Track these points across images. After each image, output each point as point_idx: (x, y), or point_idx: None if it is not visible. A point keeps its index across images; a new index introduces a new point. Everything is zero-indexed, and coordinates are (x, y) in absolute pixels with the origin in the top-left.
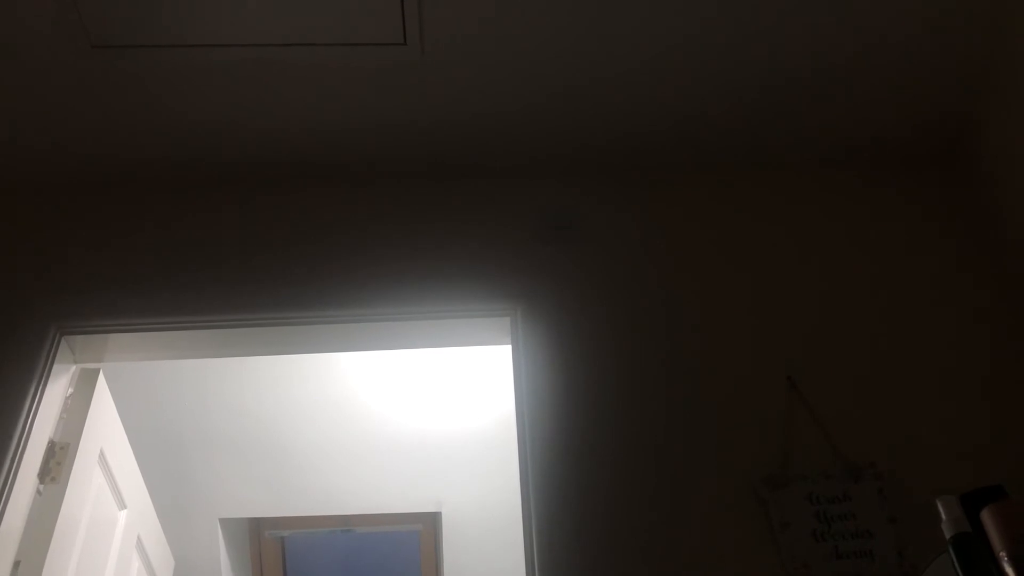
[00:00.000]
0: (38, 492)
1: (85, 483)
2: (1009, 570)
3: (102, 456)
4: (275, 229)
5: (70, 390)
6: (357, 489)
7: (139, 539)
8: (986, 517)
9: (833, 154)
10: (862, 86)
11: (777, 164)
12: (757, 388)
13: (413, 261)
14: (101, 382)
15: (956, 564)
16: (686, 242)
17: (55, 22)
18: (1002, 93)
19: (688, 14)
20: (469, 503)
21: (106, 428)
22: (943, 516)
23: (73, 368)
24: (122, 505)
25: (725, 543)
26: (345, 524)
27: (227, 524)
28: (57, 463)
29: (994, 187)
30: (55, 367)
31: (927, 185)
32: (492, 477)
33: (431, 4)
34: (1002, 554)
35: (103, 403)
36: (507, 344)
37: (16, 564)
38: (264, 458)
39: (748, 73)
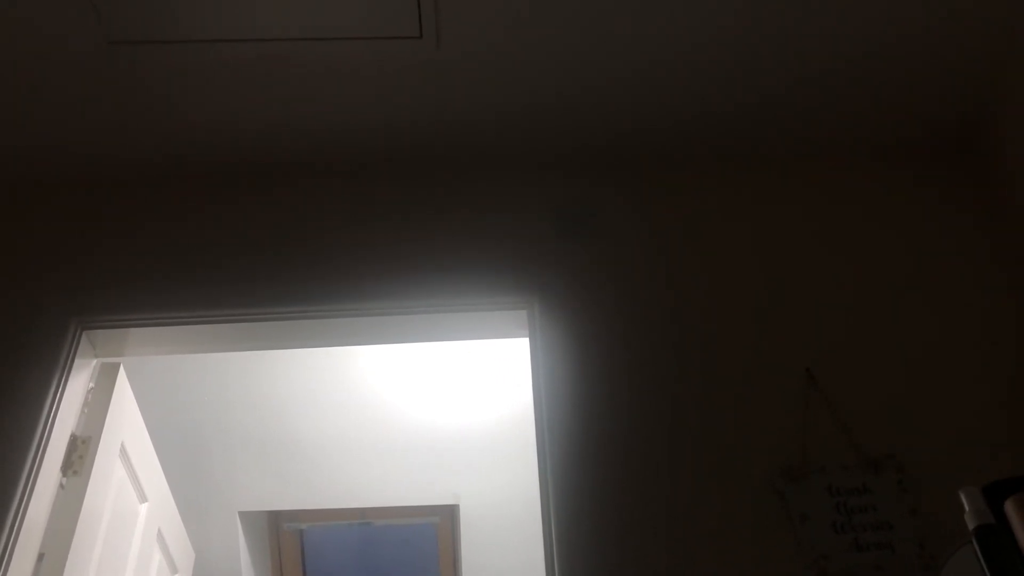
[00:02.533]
0: (61, 485)
1: (107, 476)
2: None
3: (123, 450)
4: (293, 223)
5: (91, 384)
6: (374, 482)
7: (160, 532)
8: (1010, 508)
9: (850, 149)
10: (878, 83)
11: (795, 158)
12: (775, 380)
13: (430, 255)
14: (122, 376)
15: (980, 555)
16: (702, 235)
17: (72, 18)
18: (1016, 85)
19: (710, 13)
20: (486, 495)
21: (127, 422)
22: (966, 507)
23: (94, 362)
24: (143, 498)
25: (743, 533)
26: (363, 517)
27: (246, 517)
28: (79, 457)
29: (1010, 181)
30: (76, 362)
31: (946, 179)
32: (509, 469)
33: None
34: None
35: (124, 397)
36: (524, 337)
37: (40, 556)
38: (282, 452)
39: (766, 70)
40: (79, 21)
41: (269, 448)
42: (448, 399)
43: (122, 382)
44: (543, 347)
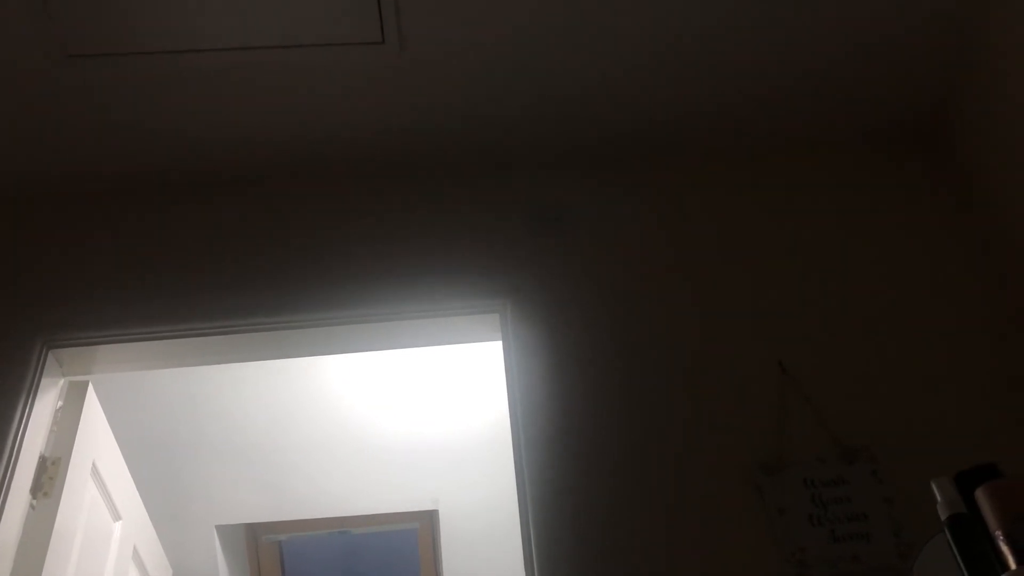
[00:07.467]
0: (31, 507)
1: (78, 497)
2: (1005, 549)
3: (94, 469)
4: (258, 233)
5: (59, 404)
6: (353, 490)
7: (135, 550)
8: (981, 497)
9: (820, 143)
10: (848, 78)
11: (766, 154)
12: (749, 374)
13: (399, 260)
14: (90, 394)
15: (952, 544)
16: (675, 232)
17: (30, 32)
18: (979, 79)
19: (679, 11)
20: (466, 499)
21: (97, 440)
22: (938, 497)
23: (61, 381)
24: (117, 516)
25: (722, 530)
26: (342, 525)
27: (223, 531)
28: (49, 478)
29: (977, 170)
30: (43, 381)
31: (917, 172)
32: (489, 473)
33: (408, 1)
34: (998, 533)
35: (93, 415)
36: (497, 340)
37: None
38: (258, 463)
39: (737, 67)
40: (34, 35)
41: (244, 460)
42: (424, 404)
43: (91, 400)
44: (516, 350)
